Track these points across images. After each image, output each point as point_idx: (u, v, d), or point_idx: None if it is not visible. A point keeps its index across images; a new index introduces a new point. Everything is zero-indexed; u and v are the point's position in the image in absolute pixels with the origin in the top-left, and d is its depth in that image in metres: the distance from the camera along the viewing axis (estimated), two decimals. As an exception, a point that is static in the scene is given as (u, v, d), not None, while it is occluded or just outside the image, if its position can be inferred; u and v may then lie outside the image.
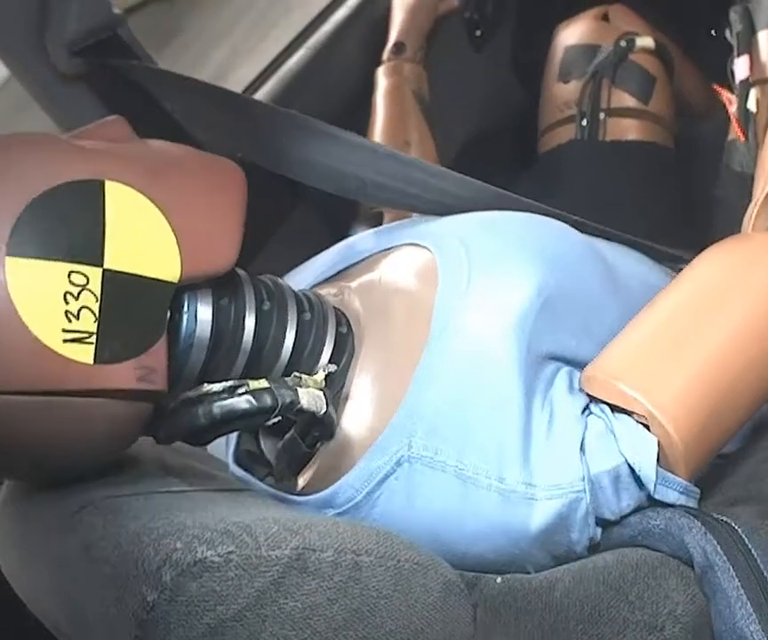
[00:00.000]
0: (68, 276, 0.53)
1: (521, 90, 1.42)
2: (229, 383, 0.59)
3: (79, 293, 0.53)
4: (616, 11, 1.26)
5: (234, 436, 0.72)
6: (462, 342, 0.63)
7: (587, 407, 0.64)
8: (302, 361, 0.66)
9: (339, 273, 0.75)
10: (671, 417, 0.61)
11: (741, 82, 0.95)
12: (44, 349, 0.52)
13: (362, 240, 0.79)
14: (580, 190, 1.16)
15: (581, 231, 0.77)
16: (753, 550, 0.58)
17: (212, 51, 2.55)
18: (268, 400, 0.58)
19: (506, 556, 0.62)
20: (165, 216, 0.57)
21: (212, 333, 0.61)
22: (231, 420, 0.58)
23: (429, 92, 1.15)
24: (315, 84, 1.18)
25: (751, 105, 0.94)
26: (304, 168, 0.82)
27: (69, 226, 0.54)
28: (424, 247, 0.71)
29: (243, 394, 0.58)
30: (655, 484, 0.61)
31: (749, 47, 0.96)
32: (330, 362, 0.67)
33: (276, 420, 0.60)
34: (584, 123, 1.20)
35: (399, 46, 1.13)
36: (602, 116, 1.20)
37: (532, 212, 0.77)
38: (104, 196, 0.55)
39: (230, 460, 0.72)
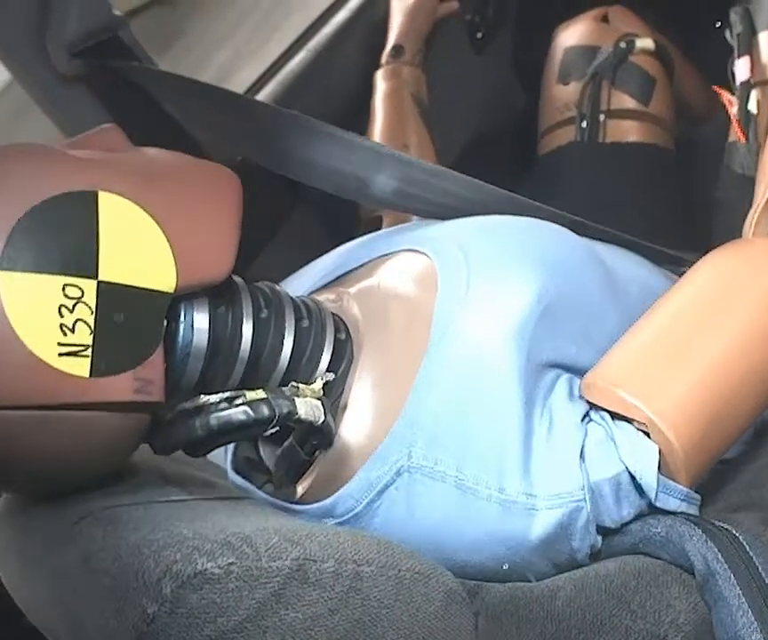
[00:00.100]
0: (63, 288, 0.53)
1: (521, 92, 1.42)
2: (226, 394, 0.59)
3: (74, 306, 0.53)
4: (616, 12, 1.26)
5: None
6: (462, 349, 0.63)
7: (587, 414, 0.64)
8: (300, 368, 0.66)
9: (337, 278, 0.75)
10: (671, 424, 0.60)
11: (742, 83, 0.95)
12: (39, 363, 0.52)
13: (360, 245, 0.78)
14: (579, 192, 1.16)
15: (583, 232, 0.76)
16: (754, 558, 0.58)
17: (215, 53, 2.56)
18: (265, 411, 0.58)
19: (507, 565, 0.62)
20: (160, 226, 0.57)
21: (209, 342, 0.61)
22: (228, 432, 0.58)
23: (429, 95, 1.15)
24: (315, 85, 1.18)
25: (752, 106, 0.94)
26: (305, 168, 0.82)
27: (63, 238, 0.54)
28: (422, 253, 0.70)
29: (240, 405, 0.58)
30: (656, 492, 0.61)
31: (750, 48, 0.96)
32: (328, 368, 0.67)
33: (273, 430, 0.60)
34: (584, 124, 1.20)
35: (398, 49, 1.13)
36: (602, 117, 1.20)
37: (533, 212, 0.76)
38: (98, 207, 0.55)
39: (229, 468, 0.72)
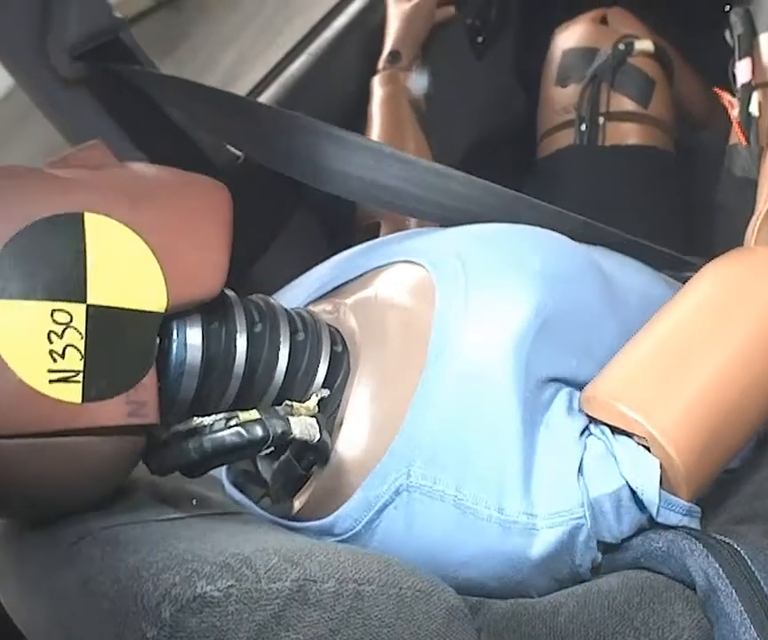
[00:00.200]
0: (51, 314, 0.52)
1: (523, 96, 1.42)
2: (220, 416, 0.59)
3: (63, 331, 0.52)
4: (615, 14, 1.25)
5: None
6: (460, 365, 0.62)
7: (586, 428, 0.64)
8: (296, 382, 0.66)
9: (334, 289, 0.75)
10: (672, 439, 0.60)
11: (743, 85, 0.94)
12: (30, 392, 0.51)
13: (357, 255, 0.78)
14: (579, 195, 1.15)
15: (588, 233, 0.76)
16: (756, 572, 0.58)
17: (220, 56, 2.57)
18: (259, 432, 0.58)
19: (508, 582, 0.61)
20: (148, 245, 0.56)
21: (202, 359, 0.60)
22: (223, 453, 0.58)
23: (430, 99, 1.14)
24: (316, 89, 1.18)
25: (753, 109, 0.94)
26: (308, 169, 0.82)
27: (50, 263, 0.53)
28: (419, 265, 0.70)
29: (233, 426, 0.58)
30: (658, 508, 0.60)
31: (751, 50, 0.95)
32: (325, 381, 0.66)
33: (269, 450, 0.59)
34: (583, 127, 1.19)
35: (395, 55, 1.12)
36: (601, 120, 1.19)
37: (537, 210, 0.76)
38: (84, 229, 0.54)
39: (226, 481, 0.72)
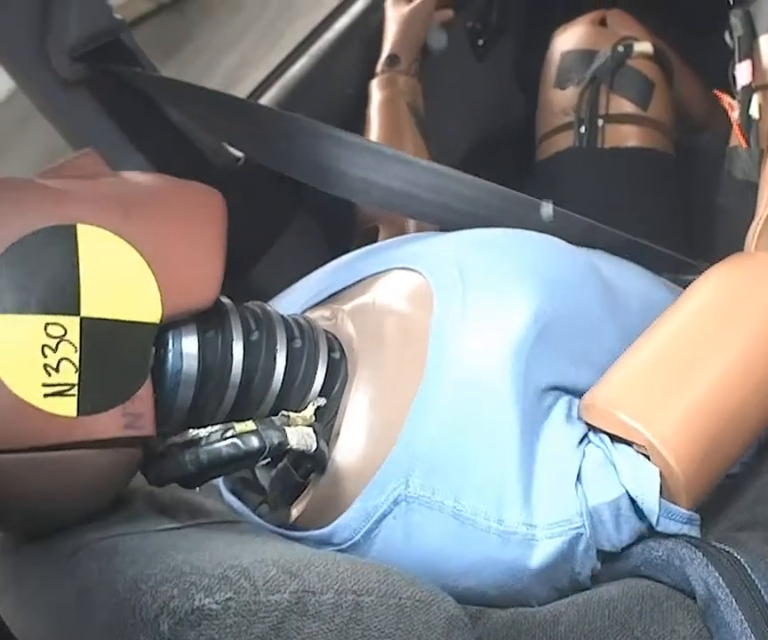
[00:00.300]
0: (45, 327, 0.52)
1: (523, 98, 1.41)
2: (216, 427, 0.58)
3: (57, 345, 0.52)
4: (614, 15, 1.25)
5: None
6: (459, 373, 0.62)
7: (585, 436, 0.63)
8: (293, 390, 0.65)
9: (331, 295, 0.74)
10: (672, 447, 0.60)
11: (743, 87, 0.94)
12: (24, 406, 0.51)
13: (355, 260, 0.78)
14: (579, 198, 1.13)
15: (591, 236, 0.76)
16: (756, 581, 0.58)
17: (222, 58, 2.58)
18: (255, 443, 0.58)
19: (508, 591, 0.61)
20: (142, 255, 0.56)
21: (199, 368, 0.60)
22: (219, 465, 0.58)
23: (430, 102, 1.14)
24: (317, 90, 1.18)
25: (753, 111, 0.93)
26: (309, 170, 0.82)
27: (43, 276, 0.53)
28: (416, 272, 0.70)
29: (229, 438, 0.57)
30: (658, 517, 0.60)
31: (751, 52, 0.95)
32: (323, 388, 0.66)
33: (265, 461, 0.59)
34: (582, 130, 1.19)
35: (393, 58, 1.12)
36: (600, 122, 1.18)
37: (536, 209, 0.76)
38: (77, 240, 0.54)
39: (223, 488, 0.71)
